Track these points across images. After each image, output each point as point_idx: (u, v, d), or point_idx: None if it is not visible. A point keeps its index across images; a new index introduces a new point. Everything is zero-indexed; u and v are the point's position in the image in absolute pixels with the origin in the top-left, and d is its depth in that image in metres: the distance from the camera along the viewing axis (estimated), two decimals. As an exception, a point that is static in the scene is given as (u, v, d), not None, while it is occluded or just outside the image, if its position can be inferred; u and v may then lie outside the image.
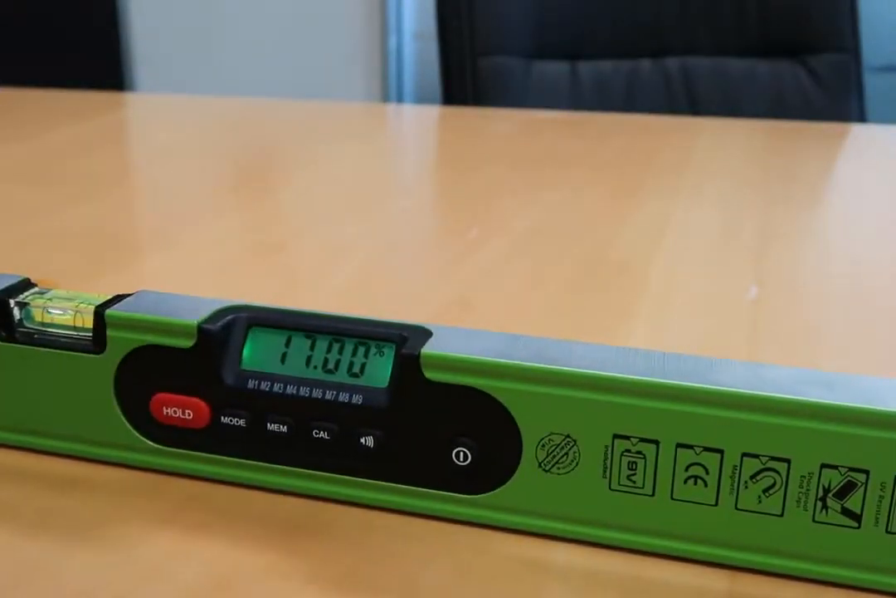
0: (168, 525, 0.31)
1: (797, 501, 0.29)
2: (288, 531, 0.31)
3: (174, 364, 0.33)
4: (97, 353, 0.33)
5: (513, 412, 0.30)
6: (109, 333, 0.33)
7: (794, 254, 0.61)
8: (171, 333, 0.32)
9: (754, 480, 0.29)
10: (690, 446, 0.29)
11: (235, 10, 2.16)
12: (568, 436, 0.30)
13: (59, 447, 0.35)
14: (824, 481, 0.28)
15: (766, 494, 0.29)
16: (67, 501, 0.33)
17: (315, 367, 0.32)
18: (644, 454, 0.29)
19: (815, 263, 0.60)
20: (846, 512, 0.28)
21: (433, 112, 1.25)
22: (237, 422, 0.32)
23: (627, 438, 0.29)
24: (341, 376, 0.32)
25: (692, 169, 0.80)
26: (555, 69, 1.29)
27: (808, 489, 0.28)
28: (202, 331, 0.32)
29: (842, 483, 0.28)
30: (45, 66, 2.13)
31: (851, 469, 0.28)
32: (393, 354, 0.31)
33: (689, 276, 0.56)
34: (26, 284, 0.35)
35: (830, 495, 0.28)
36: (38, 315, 0.34)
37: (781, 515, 0.29)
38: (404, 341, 0.31)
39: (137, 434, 0.34)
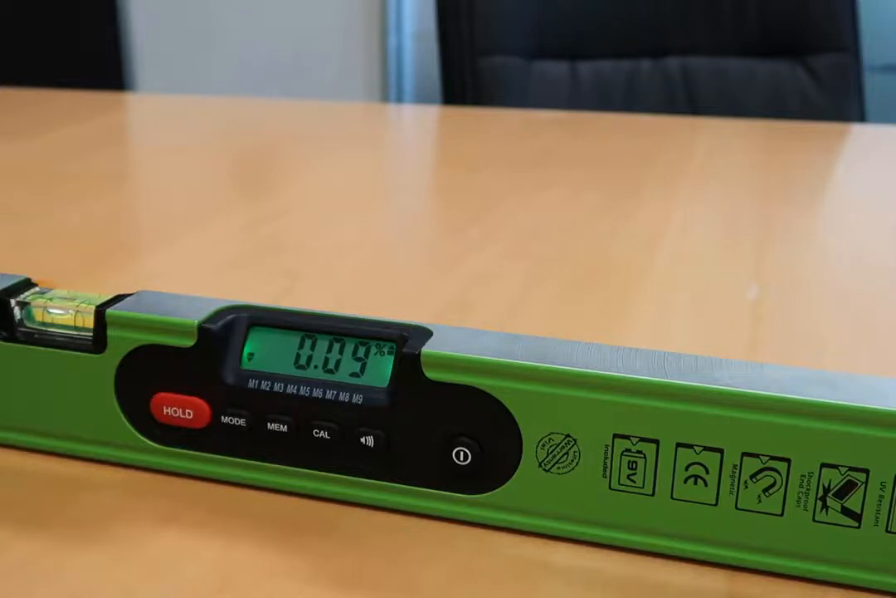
0: (168, 525, 0.31)
1: (797, 500, 0.29)
2: (288, 530, 0.31)
3: (175, 364, 0.33)
4: (97, 352, 0.33)
5: (513, 412, 0.30)
6: (110, 332, 0.33)
7: (794, 254, 0.61)
8: (171, 332, 0.32)
9: (754, 479, 0.29)
10: (690, 446, 0.29)
11: (235, 10, 2.16)
12: (568, 436, 0.30)
13: (59, 447, 0.35)
14: (824, 481, 0.28)
15: (766, 493, 0.29)
16: (67, 501, 0.33)
17: (315, 367, 0.32)
18: (644, 454, 0.30)
19: (815, 263, 0.60)
20: (846, 512, 0.28)
21: (433, 112, 1.25)
22: (237, 422, 0.33)
23: (627, 437, 0.29)
24: (341, 376, 0.32)
25: (692, 169, 0.80)
26: (555, 69, 1.29)
27: (808, 489, 0.28)
28: (203, 330, 0.32)
29: (842, 483, 0.28)
30: (45, 66, 2.13)
31: (851, 469, 0.28)
32: (393, 353, 0.31)
33: (689, 276, 0.56)
34: (27, 284, 0.35)
35: (830, 494, 0.28)
36: (38, 315, 0.34)
37: (781, 514, 0.29)
38: (405, 340, 0.31)
39: (138, 434, 0.34)
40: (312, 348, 0.32)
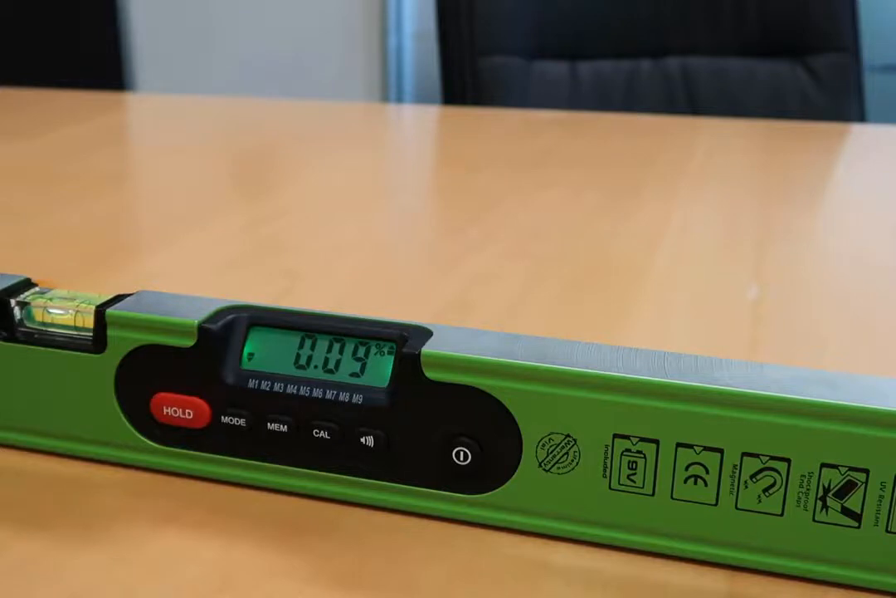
0: (169, 525, 0.31)
1: (797, 500, 0.29)
2: (288, 530, 0.31)
3: (174, 364, 0.33)
4: (97, 352, 0.33)
5: (513, 412, 0.30)
6: (110, 332, 0.33)
7: (794, 254, 0.61)
8: (171, 332, 0.32)
9: (754, 479, 0.29)
10: (690, 446, 0.29)
11: (235, 10, 2.16)
12: (568, 436, 0.30)
13: (59, 447, 0.35)
14: (824, 481, 0.28)
15: (766, 493, 0.29)
16: (67, 501, 0.33)
17: (315, 367, 0.32)
18: (644, 454, 0.29)
19: (815, 263, 0.60)
20: (846, 512, 0.28)
21: (433, 112, 1.25)
22: (237, 422, 0.33)
23: (627, 437, 0.29)
24: (341, 376, 0.32)
25: (692, 169, 0.80)
26: (555, 69, 1.29)
27: (808, 489, 0.28)
28: (203, 330, 0.32)
29: (842, 483, 0.28)
30: (45, 66, 2.13)
31: (851, 469, 0.28)
32: (393, 353, 0.31)
33: (689, 276, 0.56)
34: (27, 284, 0.35)
35: (830, 494, 0.28)
36: (38, 315, 0.34)
37: (781, 514, 0.29)
38: (405, 340, 0.31)
39: (138, 434, 0.34)
40: (312, 348, 0.32)
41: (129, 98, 1.34)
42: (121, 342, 0.33)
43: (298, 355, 0.32)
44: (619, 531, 0.30)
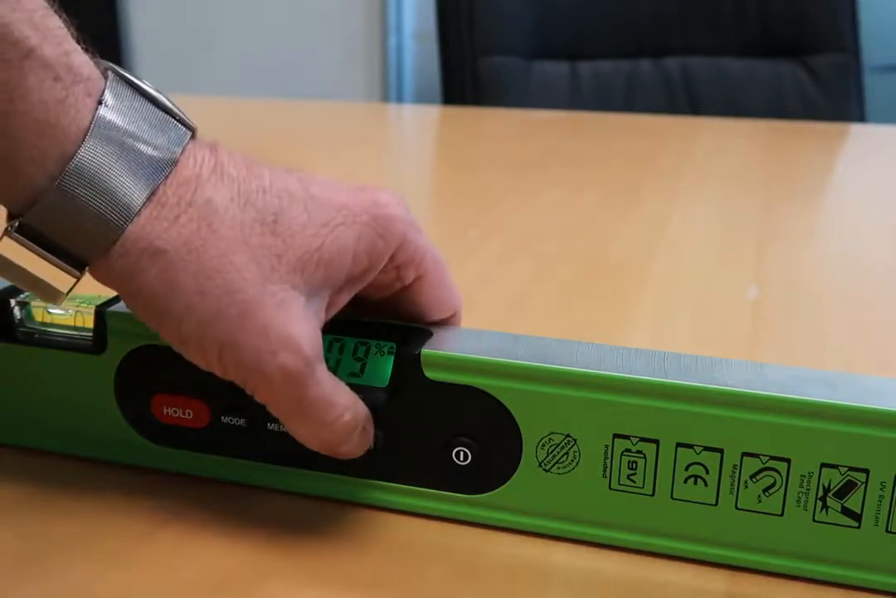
0: (168, 525, 0.31)
1: (797, 500, 0.29)
2: (288, 530, 0.31)
3: (174, 364, 0.32)
4: (97, 353, 0.33)
5: (513, 412, 0.30)
6: (110, 332, 0.33)
7: (794, 254, 0.61)
8: (171, 332, 0.32)
9: (754, 479, 0.29)
10: (690, 446, 0.29)
11: (235, 10, 2.16)
12: (568, 436, 0.30)
13: (60, 447, 0.35)
14: (824, 481, 0.28)
15: (766, 493, 0.29)
16: (67, 501, 0.33)
17: (315, 367, 0.32)
18: (644, 454, 0.29)
19: (815, 264, 0.60)
20: (846, 512, 0.28)
21: (433, 112, 1.25)
22: (237, 422, 0.33)
23: (627, 437, 0.29)
24: (341, 376, 0.32)
25: (692, 169, 0.80)
26: (555, 69, 1.29)
27: (808, 489, 0.28)
28: (202, 331, 0.32)
29: (842, 483, 0.28)
30: (45, 66, 2.13)
31: (851, 469, 0.28)
32: (393, 353, 0.31)
33: (689, 276, 0.56)
34: (27, 284, 0.35)
35: (830, 494, 0.28)
36: (38, 315, 0.34)
37: (781, 514, 0.29)
38: (404, 340, 0.31)
39: (137, 434, 0.34)
40: (312, 348, 0.32)
41: (129, 98, 1.34)
42: (121, 342, 0.33)
43: (298, 355, 0.32)
44: (619, 531, 0.30)
